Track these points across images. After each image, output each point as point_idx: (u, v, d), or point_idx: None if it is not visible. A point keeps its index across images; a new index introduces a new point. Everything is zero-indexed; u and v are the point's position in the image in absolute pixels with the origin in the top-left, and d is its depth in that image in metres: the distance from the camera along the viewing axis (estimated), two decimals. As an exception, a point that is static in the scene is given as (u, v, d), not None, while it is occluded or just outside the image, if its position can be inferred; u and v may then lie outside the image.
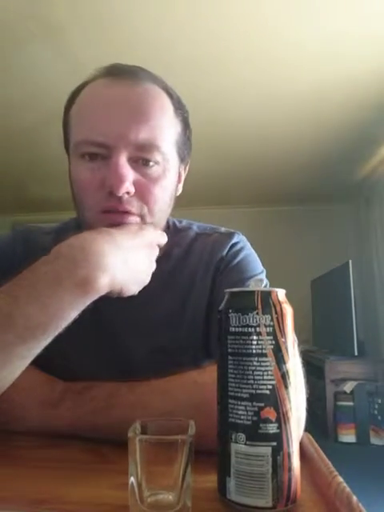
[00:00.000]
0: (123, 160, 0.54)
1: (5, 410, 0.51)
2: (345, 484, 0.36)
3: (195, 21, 1.73)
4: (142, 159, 0.56)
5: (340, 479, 0.37)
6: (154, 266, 0.56)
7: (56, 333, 0.46)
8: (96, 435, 0.49)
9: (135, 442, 0.32)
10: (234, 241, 0.70)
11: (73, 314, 0.46)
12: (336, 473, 0.39)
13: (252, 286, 0.39)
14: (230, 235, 0.72)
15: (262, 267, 0.70)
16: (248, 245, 0.72)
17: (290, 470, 0.34)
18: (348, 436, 2.63)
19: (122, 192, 0.54)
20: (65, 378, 0.55)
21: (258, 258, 0.71)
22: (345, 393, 2.68)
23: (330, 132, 2.61)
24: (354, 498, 0.34)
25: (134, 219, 0.57)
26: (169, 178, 0.60)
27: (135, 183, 0.56)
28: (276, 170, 3.18)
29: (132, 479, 0.32)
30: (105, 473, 0.42)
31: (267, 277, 0.68)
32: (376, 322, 3.18)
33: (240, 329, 0.36)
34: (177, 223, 0.74)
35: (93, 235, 0.49)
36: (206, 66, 2.02)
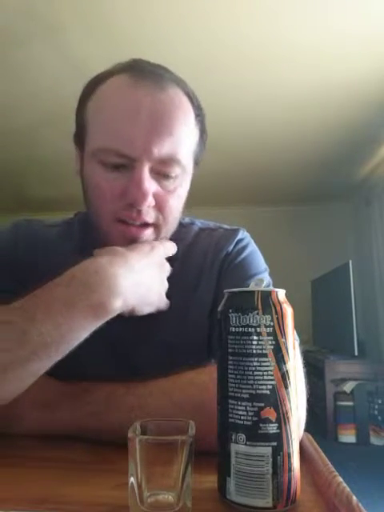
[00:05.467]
0: (147, 174, 0.54)
1: (2, 412, 0.50)
2: (345, 484, 0.36)
3: (196, 20, 1.73)
4: (162, 172, 0.56)
5: (340, 479, 0.37)
6: (166, 285, 0.59)
7: (67, 351, 0.47)
8: (94, 437, 0.49)
9: (135, 442, 0.32)
10: (239, 237, 0.71)
11: (84, 335, 0.48)
12: (336, 473, 0.39)
13: (252, 285, 0.39)
14: (235, 231, 0.72)
15: (265, 265, 0.70)
16: (252, 242, 0.73)
17: (290, 470, 0.34)
18: (348, 436, 2.63)
19: (144, 206, 0.55)
20: (66, 374, 0.54)
21: (261, 256, 0.72)
22: (345, 393, 2.68)
23: (330, 132, 2.61)
24: (354, 498, 0.34)
25: (149, 232, 0.58)
26: (185, 187, 0.61)
27: (154, 195, 0.56)
28: (276, 169, 3.18)
29: (132, 479, 0.32)
30: (105, 473, 0.42)
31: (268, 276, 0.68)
32: (376, 322, 3.17)
33: (240, 329, 0.36)
34: (180, 219, 0.74)
35: (108, 260, 0.51)
36: (206, 66, 2.02)
